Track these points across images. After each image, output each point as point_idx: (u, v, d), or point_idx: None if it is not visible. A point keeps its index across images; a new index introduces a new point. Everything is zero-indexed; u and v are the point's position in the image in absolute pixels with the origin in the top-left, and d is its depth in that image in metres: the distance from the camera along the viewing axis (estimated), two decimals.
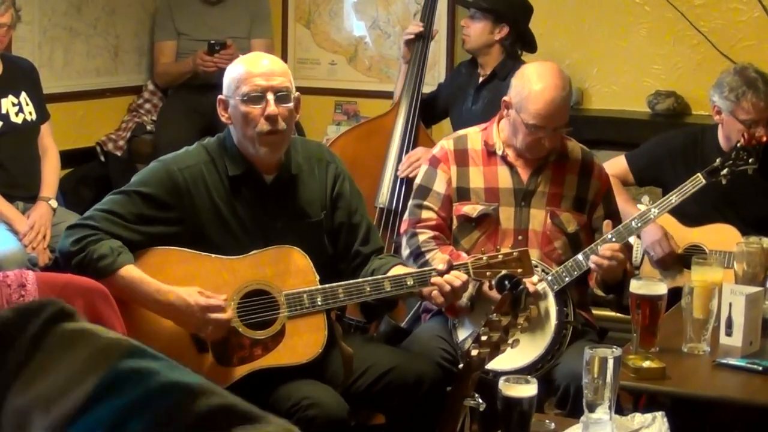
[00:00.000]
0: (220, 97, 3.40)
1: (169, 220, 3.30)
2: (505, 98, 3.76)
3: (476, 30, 4.94)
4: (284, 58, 6.25)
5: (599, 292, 3.77)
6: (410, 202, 3.89)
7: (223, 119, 3.40)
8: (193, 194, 3.33)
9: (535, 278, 3.58)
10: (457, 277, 3.35)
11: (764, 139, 4.11)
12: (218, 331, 3.24)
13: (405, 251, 3.81)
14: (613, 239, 3.66)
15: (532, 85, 3.67)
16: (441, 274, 3.35)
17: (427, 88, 5.20)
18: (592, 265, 3.61)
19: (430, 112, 5.17)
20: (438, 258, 3.62)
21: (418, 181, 3.88)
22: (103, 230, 3.23)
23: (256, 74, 3.32)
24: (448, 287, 3.34)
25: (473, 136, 3.87)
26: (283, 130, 3.33)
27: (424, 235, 3.78)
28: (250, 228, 3.36)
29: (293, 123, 3.42)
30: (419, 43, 5.08)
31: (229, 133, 3.42)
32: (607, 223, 3.69)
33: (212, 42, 5.79)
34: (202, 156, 3.39)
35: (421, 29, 5.05)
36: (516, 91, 3.72)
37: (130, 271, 3.21)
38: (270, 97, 3.30)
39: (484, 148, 3.82)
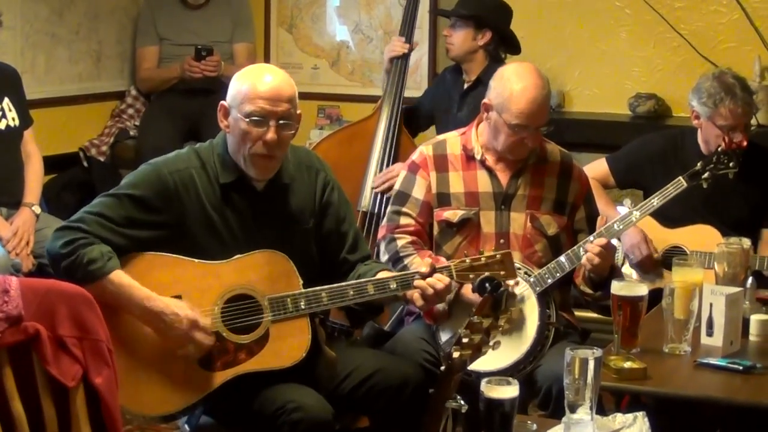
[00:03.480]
0: (222, 103, 3.35)
1: (157, 224, 3.30)
2: (485, 101, 3.77)
3: (459, 38, 4.96)
4: (266, 62, 6.26)
5: (587, 290, 3.77)
6: (389, 209, 3.89)
7: (222, 125, 3.36)
8: (183, 198, 3.32)
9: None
10: (439, 280, 3.37)
11: (744, 143, 4.14)
12: (197, 351, 3.24)
13: (383, 257, 3.81)
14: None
15: (513, 85, 3.69)
16: (424, 277, 3.37)
17: (409, 92, 5.22)
18: (584, 260, 3.63)
19: (414, 121, 5.18)
20: (418, 262, 3.64)
21: (396, 187, 3.89)
22: (93, 234, 3.22)
23: (262, 95, 3.27)
24: (430, 290, 3.35)
25: (452, 140, 3.88)
26: (277, 155, 3.33)
27: (403, 240, 3.79)
28: (239, 235, 3.36)
29: (289, 145, 3.40)
30: (398, 60, 5.11)
31: (223, 140, 3.40)
32: (601, 218, 3.72)
33: (199, 47, 5.81)
34: (192, 161, 3.38)
35: (406, 51, 5.09)
36: (496, 93, 3.73)
37: (120, 276, 3.21)
38: (272, 123, 3.27)
39: (463, 153, 3.83)
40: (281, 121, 3.29)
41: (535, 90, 3.68)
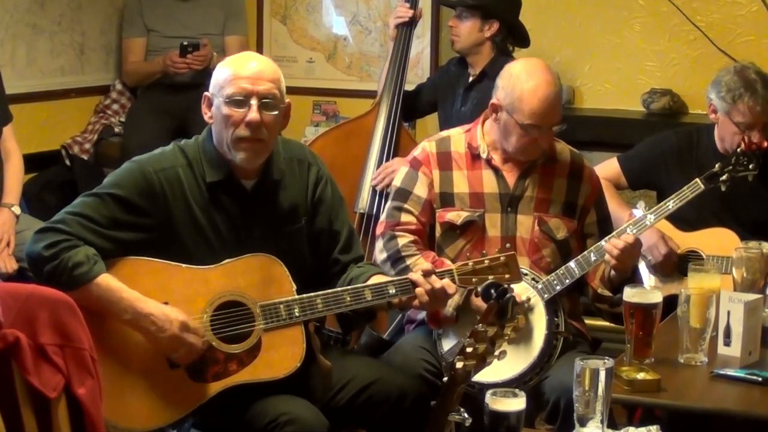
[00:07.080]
0: (205, 93, 3.39)
1: (142, 226, 3.30)
2: (494, 101, 3.77)
3: (465, 29, 4.96)
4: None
5: (605, 292, 3.77)
6: (388, 204, 3.88)
7: (206, 117, 3.39)
8: (168, 199, 3.32)
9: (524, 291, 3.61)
10: (439, 279, 3.35)
11: (765, 144, 4.14)
12: (189, 354, 3.24)
13: (381, 255, 3.81)
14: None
15: (523, 83, 3.69)
16: (423, 274, 3.36)
17: (410, 87, 5.22)
18: (607, 256, 3.63)
19: (412, 105, 5.18)
20: (421, 263, 3.63)
21: (397, 183, 3.88)
22: (76, 235, 3.22)
23: (242, 76, 3.31)
24: (428, 286, 3.34)
25: (456, 138, 3.88)
26: (264, 138, 3.33)
27: (404, 239, 3.79)
28: (227, 237, 3.37)
29: (277, 132, 3.41)
30: (404, 28, 5.11)
31: (209, 135, 3.41)
32: (630, 213, 3.72)
33: (185, 43, 5.80)
34: (178, 158, 3.38)
35: (412, 14, 5.08)
36: (506, 92, 3.72)
37: (108, 279, 3.21)
38: (254, 102, 3.28)
39: (467, 151, 3.83)
40: (264, 100, 3.30)
41: (547, 87, 3.68)
